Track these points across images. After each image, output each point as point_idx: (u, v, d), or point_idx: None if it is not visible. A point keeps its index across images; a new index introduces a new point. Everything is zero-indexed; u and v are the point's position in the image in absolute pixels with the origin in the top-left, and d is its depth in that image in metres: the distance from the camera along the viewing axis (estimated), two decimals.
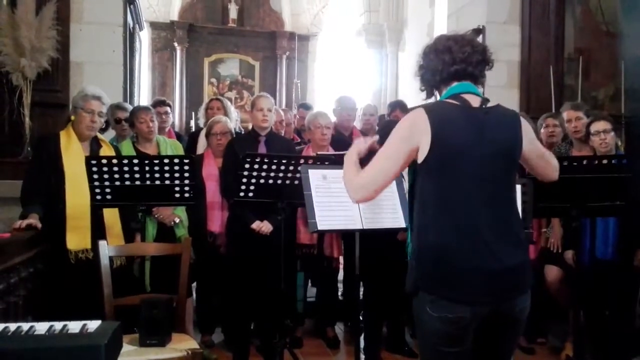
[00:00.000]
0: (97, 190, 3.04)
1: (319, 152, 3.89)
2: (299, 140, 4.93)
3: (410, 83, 7.85)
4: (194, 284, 3.99)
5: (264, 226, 3.57)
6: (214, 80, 10.34)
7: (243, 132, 4.70)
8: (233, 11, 10.36)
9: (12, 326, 1.47)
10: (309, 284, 4.58)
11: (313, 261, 4.04)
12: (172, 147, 3.85)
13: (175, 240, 3.55)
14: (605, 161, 3.07)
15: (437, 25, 7.17)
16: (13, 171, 3.85)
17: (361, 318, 3.80)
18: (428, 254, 1.85)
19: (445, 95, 1.94)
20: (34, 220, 2.98)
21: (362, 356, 3.48)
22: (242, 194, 3.26)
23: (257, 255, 3.57)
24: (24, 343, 1.40)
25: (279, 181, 3.26)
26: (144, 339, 2.69)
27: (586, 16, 5.40)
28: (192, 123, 8.61)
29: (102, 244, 2.86)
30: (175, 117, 9.19)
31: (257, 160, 3.21)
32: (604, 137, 3.52)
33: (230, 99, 7.94)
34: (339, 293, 4.53)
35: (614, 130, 3.60)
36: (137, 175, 3.05)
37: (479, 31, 5.14)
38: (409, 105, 5.19)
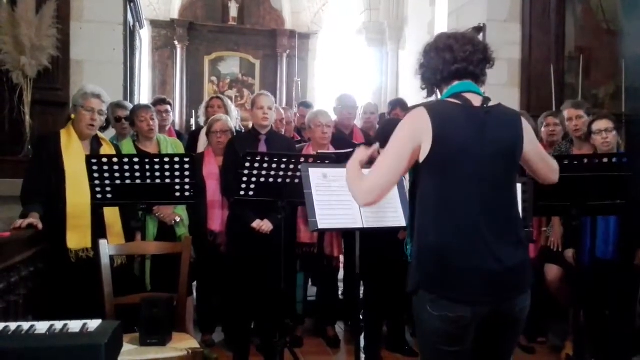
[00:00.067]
0: (98, 189, 3.04)
1: (319, 151, 3.89)
2: (299, 138, 4.93)
3: (410, 81, 7.85)
4: (195, 283, 3.99)
5: (264, 225, 3.57)
6: (214, 78, 10.33)
7: (243, 131, 4.70)
8: (233, 9, 10.36)
9: (13, 325, 1.47)
10: (309, 283, 4.58)
11: (313, 260, 4.04)
12: (172, 146, 3.84)
13: (176, 239, 3.55)
14: (605, 160, 3.06)
15: (438, 24, 7.18)
16: (13, 170, 3.85)
17: (361, 317, 3.80)
18: (428, 253, 1.85)
19: (447, 94, 1.93)
20: (34, 219, 2.98)
21: (363, 355, 3.48)
22: (242, 192, 3.26)
23: (258, 254, 3.57)
24: (24, 342, 1.40)
25: (280, 180, 3.26)
26: (145, 338, 2.69)
27: (587, 14, 5.40)
28: (193, 121, 8.61)
29: (102, 243, 2.86)
30: (176, 115, 9.18)
31: (258, 159, 3.21)
32: (606, 136, 3.51)
33: (230, 98, 7.93)
34: (339, 292, 4.53)
35: (616, 129, 3.59)
36: (137, 174, 3.04)
37: (479, 29, 5.14)
38: (410, 104, 5.19)
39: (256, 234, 3.56)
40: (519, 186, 2.01)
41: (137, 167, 3.03)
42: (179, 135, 4.88)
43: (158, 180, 3.08)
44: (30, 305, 2.84)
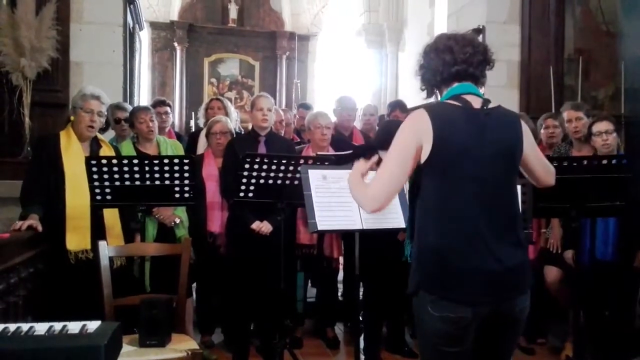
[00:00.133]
0: (97, 191, 3.04)
1: (318, 153, 3.89)
2: (299, 140, 4.93)
3: (410, 83, 7.85)
4: (194, 284, 3.99)
5: (263, 226, 3.57)
6: (214, 80, 10.34)
7: (243, 132, 4.70)
8: (233, 11, 10.37)
9: (12, 326, 1.47)
10: (309, 284, 4.58)
11: (313, 261, 4.04)
12: (172, 147, 3.85)
13: (176, 241, 3.55)
14: (605, 161, 3.06)
15: (437, 25, 7.18)
16: (13, 171, 3.84)
17: (361, 318, 3.80)
18: (429, 254, 1.85)
19: (446, 95, 1.93)
20: (34, 221, 2.98)
21: (362, 356, 3.48)
22: (242, 194, 3.26)
23: (257, 256, 3.57)
24: (23, 343, 1.40)
25: (279, 181, 3.26)
26: (144, 340, 2.68)
27: (586, 16, 5.41)
28: (192, 123, 8.61)
29: (102, 244, 2.86)
30: (175, 117, 9.19)
31: (257, 160, 3.21)
32: (606, 138, 3.51)
33: (230, 99, 7.93)
34: (339, 293, 4.53)
35: (616, 131, 3.59)
36: (137, 176, 3.05)
37: (478, 31, 5.14)
38: (409, 105, 5.19)
39: (256, 235, 3.56)
40: (518, 187, 2.01)
41: (136, 168, 3.03)
42: (179, 137, 4.88)
43: (157, 182, 3.08)
44: (29, 306, 2.84)
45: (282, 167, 3.23)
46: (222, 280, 3.86)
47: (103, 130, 3.64)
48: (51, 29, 4.14)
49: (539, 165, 2.06)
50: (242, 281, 3.63)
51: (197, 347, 2.79)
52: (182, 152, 3.95)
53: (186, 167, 3.09)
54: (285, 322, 3.79)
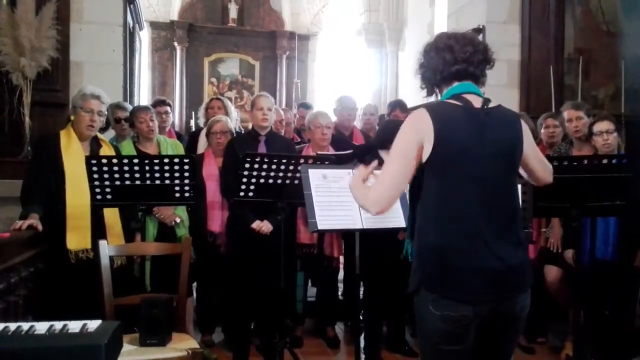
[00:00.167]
0: (97, 190, 3.04)
1: (319, 152, 3.89)
2: (299, 140, 4.93)
3: (410, 83, 7.85)
4: (194, 284, 3.99)
5: (264, 226, 3.57)
6: (214, 79, 10.33)
7: (243, 132, 4.70)
8: (233, 11, 10.36)
9: (12, 326, 1.46)
10: (309, 284, 4.58)
11: (313, 261, 4.05)
12: (172, 147, 3.85)
13: (176, 240, 3.55)
14: (605, 161, 3.06)
15: (437, 25, 7.18)
16: (13, 171, 3.84)
17: (361, 317, 3.80)
18: (429, 254, 1.85)
19: (447, 95, 1.93)
20: (34, 220, 2.98)
21: (362, 356, 3.48)
22: (242, 193, 3.26)
23: (257, 255, 3.57)
24: (24, 343, 1.40)
25: (279, 181, 3.26)
26: (144, 339, 2.69)
27: (586, 16, 5.40)
28: (192, 123, 8.61)
29: (102, 243, 2.86)
30: (175, 116, 9.19)
31: (257, 159, 3.21)
32: (607, 137, 3.51)
33: (230, 99, 7.91)
34: (339, 293, 4.53)
35: (617, 131, 3.58)
36: (137, 175, 3.05)
37: (478, 31, 5.14)
38: (409, 105, 5.19)
39: (256, 234, 3.56)
40: (518, 187, 2.01)
41: (136, 168, 3.04)
42: (179, 137, 4.88)
43: (158, 181, 3.09)
44: (30, 306, 2.84)
45: (282, 167, 3.23)
46: (222, 280, 3.86)
47: (103, 129, 3.64)
48: (51, 29, 4.14)
49: (539, 165, 2.06)
50: (243, 280, 3.63)
51: (197, 346, 2.80)
52: (182, 152, 3.95)
53: (186, 167, 3.10)
54: (286, 322, 3.80)
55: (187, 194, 3.17)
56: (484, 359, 1.95)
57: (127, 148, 3.66)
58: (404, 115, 4.99)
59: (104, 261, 2.83)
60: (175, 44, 10.05)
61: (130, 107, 4.08)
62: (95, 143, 3.35)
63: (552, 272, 3.85)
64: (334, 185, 2.80)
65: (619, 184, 3.04)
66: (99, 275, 2.81)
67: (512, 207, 1.92)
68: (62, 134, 3.27)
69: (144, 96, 8.61)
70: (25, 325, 1.46)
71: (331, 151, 4.03)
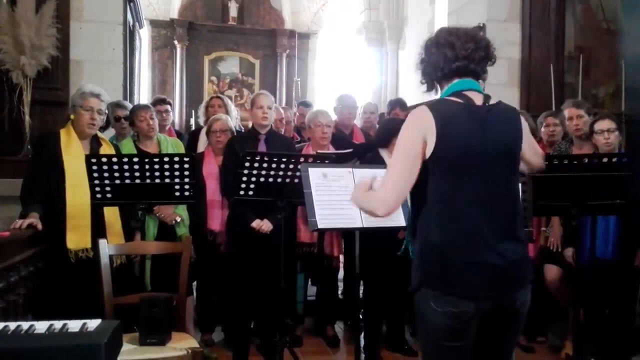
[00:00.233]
0: (97, 189, 3.04)
1: (319, 151, 3.89)
2: (299, 138, 4.93)
3: (410, 81, 7.85)
4: (194, 283, 3.99)
5: (264, 225, 3.57)
6: (214, 78, 10.32)
7: (243, 131, 4.70)
8: (233, 9, 10.35)
9: (12, 325, 1.46)
10: (309, 283, 4.58)
11: (313, 260, 4.04)
12: (173, 146, 3.84)
13: (177, 239, 3.55)
14: (605, 159, 3.06)
15: (438, 23, 7.17)
16: (13, 170, 3.84)
17: (361, 317, 3.80)
18: (431, 253, 1.85)
19: (448, 91, 1.92)
20: (34, 219, 2.98)
21: (362, 355, 3.48)
22: (242, 192, 3.26)
23: (257, 254, 3.57)
24: (23, 342, 1.39)
25: (279, 180, 3.26)
26: (144, 338, 2.69)
27: (586, 14, 5.40)
28: (192, 121, 8.61)
29: (102, 242, 2.86)
30: (175, 115, 9.18)
31: (257, 158, 3.21)
32: (608, 136, 3.50)
33: (230, 97, 7.92)
34: (339, 292, 4.53)
35: (618, 130, 3.58)
36: (137, 174, 3.04)
37: (479, 29, 5.14)
38: (409, 104, 5.19)
39: (256, 233, 3.56)
40: (519, 186, 2.01)
41: (136, 166, 3.03)
42: (179, 135, 4.88)
43: (157, 180, 3.08)
44: (29, 305, 2.84)
45: (282, 166, 3.23)
46: (222, 279, 3.86)
47: (103, 128, 3.63)
48: (51, 27, 4.14)
49: (533, 155, 2.07)
50: (243, 279, 3.63)
51: (197, 345, 2.80)
52: (182, 150, 3.94)
53: (186, 166, 3.09)
54: (286, 321, 3.79)
55: (187, 193, 3.16)
56: (486, 356, 1.95)
57: (128, 147, 3.66)
58: (404, 113, 4.99)
59: (104, 260, 2.83)
60: (176, 42, 10.03)
61: (130, 106, 4.08)
62: (95, 142, 3.35)
63: (552, 271, 3.84)
64: (334, 184, 2.80)
65: (619, 182, 3.03)
66: (99, 274, 2.81)
67: (512, 205, 1.92)
68: (62, 133, 3.26)
69: (144, 95, 8.60)
70: (25, 325, 1.46)
71: (331, 150, 4.03)
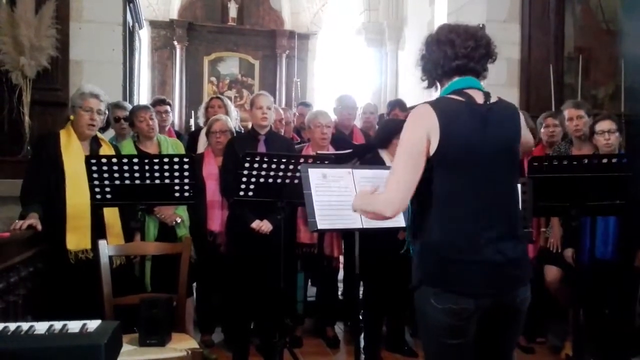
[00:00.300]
0: (97, 190, 3.03)
1: (318, 152, 3.89)
2: (298, 139, 4.93)
3: (410, 81, 7.85)
4: (194, 284, 3.99)
5: (263, 225, 3.56)
6: (213, 79, 10.33)
7: (243, 131, 4.70)
8: (233, 10, 10.36)
9: (12, 326, 1.46)
10: (309, 284, 4.58)
11: (313, 260, 4.04)
12: (173, 146, 3.84)
13: (177, 240, 3.55)
14: (605, 160, 3.06)
15: (437, 24, 7.14)
16: (12, 170, 3.84)
17: (361, 317, 3.80)
18: (431, 252, 1.86)
19: (448, 89, 1.92)
20: (33, 220, 2.97)
21: (362, 355, 3.48)
22: (241, 193, 3.26)
23: (257, 255, 3.57)
24: (23, 343, 1.39)
25: (279, 180, 3.26)
26: (144, 339, 2.68)
27: (586, 15, 5.40)
28: (192, 122, 8.61)
29: (101, 243, 2.86)
30: (175, 116, 9.19)
31: (257, 159, 3.21)
32: (608, 137, 3.51)
33: (230, 98, 7.92)
34: (339, 292, 4.53)
35: (619, 131, 3.57)
36: (136, 175, 3.04)
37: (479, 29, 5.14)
38: (409, 104, 5.19)
39: (256, 234, 3.55)
40: (518, 186, 2.01)
41: (136, 167, 3.03)
42: (179, 136, 4.88)
43: (157, 181, 3.08)
44: (29, 306, 2.84)
45: (282, 166, 3.23)
46: (222, 279, 3.86)
47: (103, 129, 3.63)
48: (51, 28, 4.13)
49: (526, 146, 2.10)
50: (242, 280, 3.63)
51: (197, 346, 2.79)
52: (183, 151, 3.95)
53: (186, 166, 3.09)
54: (285, 321, 3.79)
55: (186, 194, 3.16)
56: (487, 355, 1.95)
57: (128, 147, 3.66)
58: (403, 114, 4.99)
59: (104, 261, 2.83)
60: (175, 43, 10.04)
61: (129, 106, 4.08)
62: (95, 142, 3.34)
63: (551, 272, 3.85)
64: (333, 185, 2.79)
65: (619, 183, 3.03)
66: (99, 274, 2.81)
67: (512, 204, 1.93)
68: (62, 134, 3.26)
69: (143, 95, 8.60)
70: (24, 325, 1.46)
71: (331, 150, 4.03)
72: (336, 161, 3.40)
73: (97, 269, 2.82)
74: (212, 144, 3.97)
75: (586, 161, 3.06)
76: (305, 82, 10.68)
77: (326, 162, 3.25)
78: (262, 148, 3.71)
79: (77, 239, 3.13)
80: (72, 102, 3.31)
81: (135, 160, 3.05)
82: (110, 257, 2.93)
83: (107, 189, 3.04)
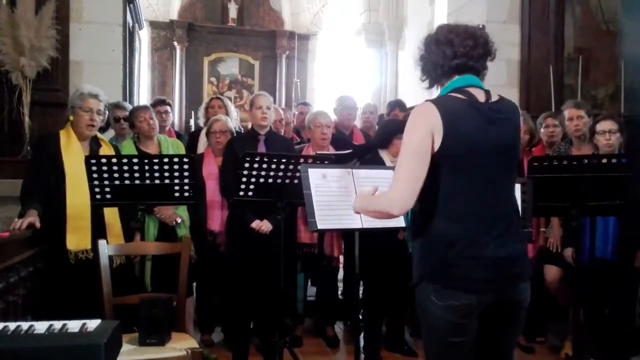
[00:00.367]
0: (97, 190, 3.04)
1: (318, 152, 3.89)
2: (298, 139, 4.93)
3: (410, 82, 7.85)
4: (194, 283, 3.99)
5: (263, 225, 3.57)
6: (213, 79, 10.34)
7: (243, 132, 4.70)
8: (233, 10, 10.36)
9: (12, 325, 1.46)
10: (309, 283, 4.59)
11: (313, 260, 4.05)
12: (173, 146, 3.85)
13: (177, 240, 3.54)
14: (605, 160, 3.06)
15: (437, 24, 7.16)
16: (12, 170, 3.84)
17: (361, 317, 3.80)
18: (432, 247, 1.86)
19: (449, 88, 1.92)
20: (32, 217, 2.97)
21: (362, 355, 3.48)
22: (241, 193, 3.26)
23: (257, 255, 3.57)
24: (23, 342, 1.39)
25: (279, 180, 3.26)
26: (144, 338, 2.69)
27: (586, 15, 5.40)
28: (192, 122, 8.61)
29: (101, 243, 2.86)
30: (175, 116, 9.19)
31: (257, 159, 3.21)
32: (609, 137, 3.50)
33: (229, 98, 7.92)
34: (339, 292, 4.53)
35: (619, 132, 3.57)
36: (136, 175, 3.04)
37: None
38: (409, 104, 5.19)
39: (256, 234, 3.56)
40: (518, 186, 2.02)
41: (136, 167, 3.03)
42: (179, 136, 4.88)
43: (157, 181, 3.08)
44: (29, 305, 2.84)
45: (282, 166, 3.23)
46: (222, 279, 3.86)
47: (103, 129, 3.63)
48: (51, 28, 4.14)
49: None
50: (242, 280, 3.63)
51: (197, 345, 2.80)
52: (183, 151, 3.95)
53: (185, 166, 3.09)
54: (285, 321, 3.79)
55: (186, 194, 3.16)
56: (488, 354, 1.95)
57: (128, 148, 3.66)
58: (403, 114, 5.00)
59: (103, 261, 2.83)
60: (175, 43, 10.05)
61: (129, 107, 4.08)
62: (95, 143, 3.35)
63: (551, 272, 3.85)
64: (333, 185, 2.79)
65: (619, 183, 3.03)
66: (99, 274, 2.81)
67: (511, 202, 1.94)
68: (62, 134, 3.27)
69: (143, 96, 8.60)
70: (24, 325, 1.46)
71: (331, 151, 4.03)
72: (336, 161, 3.40)
73: (97, 268, 2.82)
74: (212, 144, 3.98)
75: (586, 161, 3.07)
76: (305, 83, 10.69)
77: (326, 162, 3.25)
78: (262, 148, 3.71)
79: (77, 239, 3.14)
80: (72, 103, 3.31)
81: (135, 160, 3.05)
82: (110, 257, 2.93)
83: (107, 189, 3.04)
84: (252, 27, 10.52)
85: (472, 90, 1.89)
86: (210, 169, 3.89)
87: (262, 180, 3.23)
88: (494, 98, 1.91)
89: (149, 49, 9.93)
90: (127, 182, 3.04)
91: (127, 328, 2.72)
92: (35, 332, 1.44)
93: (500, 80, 5.14)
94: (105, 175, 3.01)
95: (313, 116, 4.19)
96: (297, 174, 3.11)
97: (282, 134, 4.62)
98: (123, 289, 2.92)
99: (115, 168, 3.02)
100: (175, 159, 3.10)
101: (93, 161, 3.02)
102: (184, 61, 10.06)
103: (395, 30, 8.91)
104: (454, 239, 1.82)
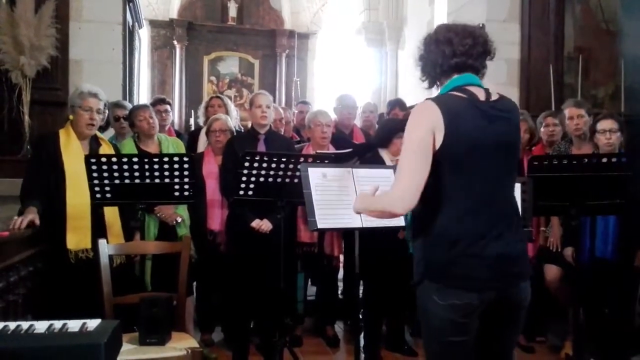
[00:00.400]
0: (97, 189, 3.03)
1: (318, 151, 3.89)
2: (298, 139, 4.93)
3: (410, 81, 7.85)
4: (195, 283, 3.99)
5: (263, 224, 3.56)
6: (213, 78, 10.33)
7: (242, 131, 4.70)
8: (232, 9, 10.36)
9: (12, 325, 1.46)
10: (309, 283, 4.58)
11: (313, 260, 4.04)
12: (173, 145, 3.84)
13: (177, 239, 3.54)
14: (605, 159, 3.06)
15: (437, 24, 7.16)
16: (12, 169, 3.84)
17: (361, 316, 3.80)
18: (433, 246, 1.86)
19: (449, 86, 1.92)
20: (32, 214, 2.96)
21: (362, 355, 3.48)
22: (241, 192, 3.26)
23: (257, 254, 3.57)
24: (23, 342, 1.39)
25: (279, 179, 3.25)
26: (144, 338, 2.68)
27: (586, 15, 5.40)
28: (192, 121, 8.60)
29: (101, 242, 2.86)
30: (175, 115, 9.18)
31: (257, 158, 3.21)
32: (610, 136, 3.50)
33: (229, 97, 7.92)
34: (339, 291, 4.53)
35: (620, 131, 3.57)
36: (136, 174, 3.04)
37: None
38: (409, 104, 5.20)
39: (256, 233, 3.55)
40: (518, 186, 2.02)
41: (135, 166, 3.03)
42: (179, 135, 4.88)
43: (157, 180, 3.08)
44: (29, 305, 2.84)
45: (282, 165, 3.23)
46: (222, 279, 3.86)
47: (103, 128, 3.63)
48: (50, 27, 4.14)
49: None
50: (242, 279, 3.63)
51: (197, 345, 2.79)
52: (183, 149, 3.94)
53: (185, 166, 3.09)
54: (285, 321, 3.79)
55: (186, 193, 3.16)
56: (488, 353, 1.95)
57: (129, 147, 3.66)
58: (403, 113, 5.00)
59: (104, 260, 2.83)
60: (175, 42, 10.04)
61: (129, 106, 4.08)
62: (95, 142, 3.34)
63: (551, 271, 3.85)
64: (333, 184, 2.79)
65: (619, 182, 3.03)
66: (99, 274, 2.81)
67: (511, 201, 1.94)
68: (62, 133, 3.26)
69: (143, 95, 8.60)
70: (24, 325, 1.46)
71: (331, 150, 4.03)
72: (336, 160, 3.39)
73: (97, 268, 2.82)
74: (212, 143, 3.97)
75: (586, 160, 3.06)
76: (305, 82, 10.69)
77: (326, 161, 3.24)
78: (261, 147, 3.71)
79: (77, 238, 3.13)
80: (71, 102, 3.30)
81: (135, 159, 3.05)
82: (111, 257, 2.93)
83: (107, 188, 3.04)
84: (252, 26, 10.51)
85: (472, 89, 1.89)
86: (210, 168, 3.89)
87: (262, 179, 3.23)
88: (494, 97, 1.91)
89: (149, 47, 9.92)
90: (127, 181, 3.04)
91: (127, 327, 2.71)
92: (35, 331, 1.44)
93: (500, 80, 5.14)
94: (105, 174, 3.01)
95: (313, 115, 4.18)
96: (297, 173, 3.11)
97: (282, 133, 4.61)
98: (123, 289, 2.92)
99: (115, 167, 3.01)
100: (175, 158, 3.10)
101: (93, 160, 3.02)
102: (183, 60, 10.06)
103: (395, 30, 8.91)
104: (455, 238, 1.82)
